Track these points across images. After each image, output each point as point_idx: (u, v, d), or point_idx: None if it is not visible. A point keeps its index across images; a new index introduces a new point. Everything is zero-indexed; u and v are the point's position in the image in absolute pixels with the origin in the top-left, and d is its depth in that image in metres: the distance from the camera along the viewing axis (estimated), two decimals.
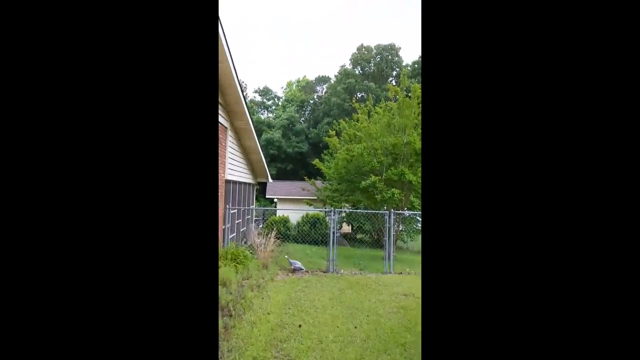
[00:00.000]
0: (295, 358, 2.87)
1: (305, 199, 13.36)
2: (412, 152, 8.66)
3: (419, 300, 4.76)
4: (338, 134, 11.73)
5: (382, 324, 3.81)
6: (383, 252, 8.96)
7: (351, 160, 9.23)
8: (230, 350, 2.91)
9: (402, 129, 9.00)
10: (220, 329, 3.19)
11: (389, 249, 7.01)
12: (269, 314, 3.94)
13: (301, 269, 6.48)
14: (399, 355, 3.01)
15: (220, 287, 4.24)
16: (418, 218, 10.38)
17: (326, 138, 12.01)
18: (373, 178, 8.38)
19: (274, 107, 33.81)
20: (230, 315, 3.62)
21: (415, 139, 8.57)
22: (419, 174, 8.43)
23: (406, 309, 4.37)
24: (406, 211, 9.14)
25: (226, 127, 6.53)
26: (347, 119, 11.89)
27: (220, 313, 3.60)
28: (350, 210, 9.58)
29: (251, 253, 6.36)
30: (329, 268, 6.75)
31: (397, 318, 4.02)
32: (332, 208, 7.38)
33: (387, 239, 7.06)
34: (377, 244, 10.48)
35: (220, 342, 3.03)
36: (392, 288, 5.54)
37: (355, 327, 3.65)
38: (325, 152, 14.07)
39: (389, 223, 6.98)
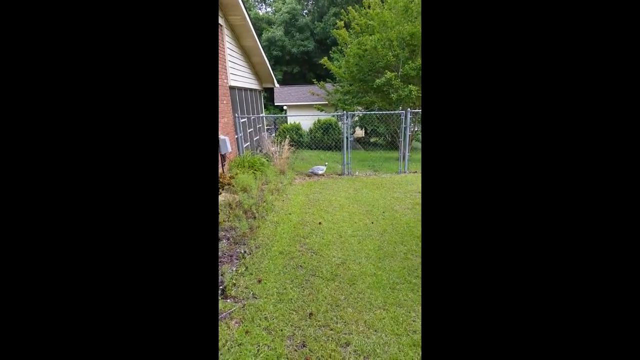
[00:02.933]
0: (317, 250, 3.12)
1: (316, 104, 12.83)
2: None
3: None
4: (347, 26, 10.37)
5: (397, 219, 4.01)
6: (398, 154, 8.97)
7: (364, 56, 8.27)
8: (258, 247, 3.18)
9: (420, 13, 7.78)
10: (246, 230, 3.43)
11: (404, 150, 6.94)
12: (290, 214, 4.18)
13: (322, 174, 6.65)
14: (414, 245, 3.23)
15: (241, 192, 4.43)
16: None
17: (334, 31, 10.66)
18: (389, 74, 7.65)
19: (272, 0, 29.63)
20: (254, 217, 3.86)
21: None
22: None
23: (420, 205, 4.54)
24: (417, 110, 8.69)
25: (221, 25, 5.79)
26: (356, 6, 10.28)
27: (244, 216, 3.83)
28: (364, 112, 9.10)
29: (267, 160, 6.46)
30: (344, 171, 6.88)
31: (412, 214, 4.21)
32: (345, 112, 7.06)
33: (402, 139, 6.92)
34: (392, 146, 10.42)
35: (247, 241, 3.30)
36: (406, 186, 5.68)
37: (372, 223, 3.87)
38: (333, 49, 12.73)
39: (405, 123, 6.72)
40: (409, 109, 6.68)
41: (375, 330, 2.02)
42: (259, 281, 2.57)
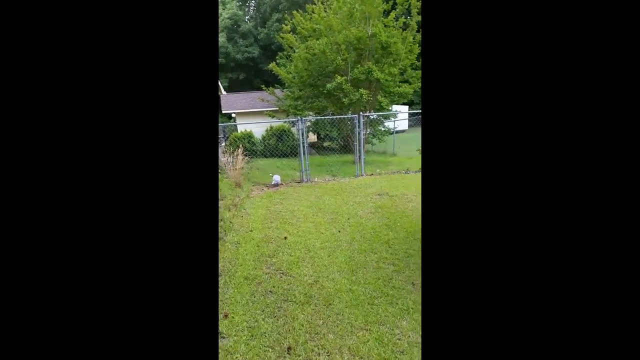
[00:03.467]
0: (287, 270, 2.89)
1: (266, 110, 12.49)
2: (378, 46, 7.86)
3: (394, 199, 4.96)
4: (293, 30, 10.25)
5: (363, 224, 3.94)
6: (353, 157, 9.06)
7: (313, 60, 8.21)
8: (220, 275, 2.85)
9: (366, 19, 7.95)
10: None
11: (359, 153, 6.99)
12: (251, 230, 3.88)
13: (279, 183, 6.39)
14: (385, 252, 3.16)
15: None
16: (382, 119, 10.28)
17: (281, 35, 10.45)
18: (339, 79, 7.66)
19: None
20: None
21: (380, 30, 7.68)
22: (387, 71, 7.87)
23: (383, 208, 4.53)
24: (372, 113, 8.88)
25: None
26: (300, 11, 10.22)
27: None
28: (317, 117, 9.02)
29: (220, 173, 6.03)
30: (302, 178, 6.71)
31: (376, 218, 4.17)
32: (299, 117, 6.91)
33: (357, 143, 6.97)
34: (345, 149, 10.51)
35: None
36: (366, 189, 5.69)
37: (339, 231, 3.74)
38: (280, 54, 12.52)
39: (359, 127, 6.78)
40: (361, 113, 6.75)
41: (361, 358, 1.86)
42: (226, 316, 2.27)
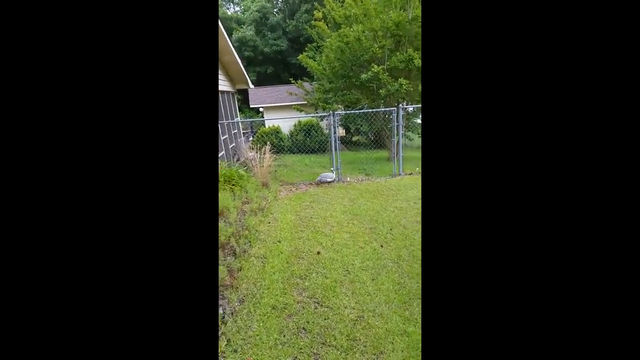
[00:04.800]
0: (322, 298, 2.37)
1: (295, 104, 12.01)
2: (419, 31, 7.06)
3: None
4: (324, 19, 9.61)
5: (409, 237, 3.33)
6: (388, 153, 8.36)
7: (346, 49, 7.55)
8: (243, 301, 2.38)
9: (406, 1, 7.15)
10: (224, 276, 2.62)
11: (397, 149, 6.31)
12: (279, 241, 3.40)
13: (332, 180, 5.94)
14: None
15: None
16: (418, 112, 9.43)
17: (312, 23, 9.87)
18: (376, 68, 6.93)
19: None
20: (235, 254, 3.04)
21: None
22: None
23: None
24: (409, 106, 8.08)
25: None
26: (330, 0, 9.55)
27: (221, 253, 3.01)
28: (351, 112, 8.36)
29: (246, 171, 5.62)
30: (334, 177, 6.16)
31: None
32: (331, 111, 6.34)
33: (394, 138, 6.29)
34: (377, 144, 9.81)
35: (227, 293, 2.48)
36: (407, 192, 5.05)
37: (382, 246, 3.17)
38: (309, 46, 11.92)
39: (397, 120, 6.09)
40: (400, 105, 6.05)
41: None
42: None
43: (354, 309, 2.24)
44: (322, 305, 2.30)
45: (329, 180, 5.93)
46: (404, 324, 2.06)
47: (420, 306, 2.20)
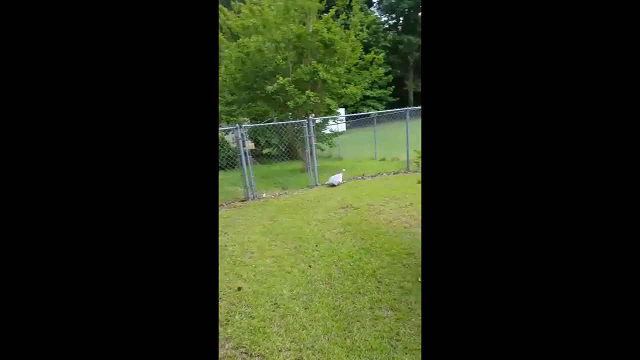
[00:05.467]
0: (251, 346, 1.97)
1: None
2: (320, 44, 7.25)
3: (361, 211, 4.33)
4: (220, 29, 9.08)
5: (336, 251, 3.19)
6: (302, 164, 8.30)
7: (247, 60, 7.22)
8: None
9: (305, 14, 7.28)
10: None
11: (312, 161, 6.26)
12: None
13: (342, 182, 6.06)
14: (375, 291, 2.44)
15: None
16: (331, 122, 9.75)
17: None
18: (282, 80, 6.79)
19: None
20: None
21: (321, 27, 7.07)
22: (332, 71, 7.26)
23: (352, 225, 3.86)
24: (317, 117, 8.21)
25: None
26: (225, 9, 9.10)
27: None
28: (259, 124, 7.98)
29: None
30: (248, 195, 5.72)
31: (349, 239, 3.47)
32: (238, 124, 5.90)
33: (308, 150, 6.23)
34: (290, 156, 9.71)
35: None
36: (326, 203, 4.99)
37: (310, 266, 2.93)
38: None
39: (309, 132, 6.05)
40: (311, 117, 6.04)
41: None
42: None
43: (289, 350, 1.91)
44: (251, 355, 1.90)
45: (338, 182, 6.03)
46: (347, 356, 1.83)
47: (360, 330, 2.02)
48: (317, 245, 3.39)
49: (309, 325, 2.13)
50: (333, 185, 6.09)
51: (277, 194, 5.92)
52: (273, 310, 2.32)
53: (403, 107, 7.40)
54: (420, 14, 32.19)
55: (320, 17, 7.56)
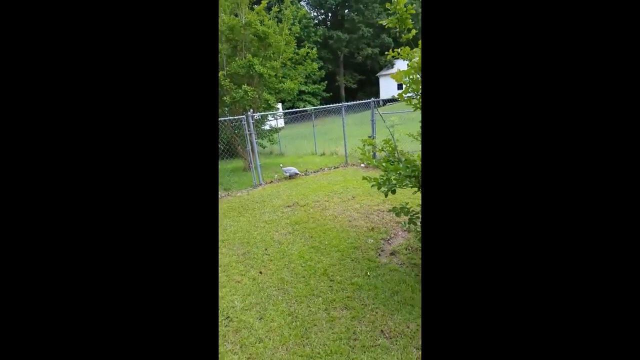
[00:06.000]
0: None
1: None
2: (254, 37, 6.97)
3: (307, 209, 4.34)
4: None
5: (287, 254, 3.15)
6: (244, 163, 7.98)
7: None
8: None
9: (237, 4, 6.89)
10: None
11: (253, 159, 6.05)
12: None
13: (296, 174, 5.94)
14: (328, 291, 2.47)
15: None
16: (270, 117, 9.52)
17: None
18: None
19: None
20: None
21: (254, 19, 6.80)
22: (267, 65, 7.05)
23: (300, 224, 3.85)
24: (256, 113, 7.96)
25: None
26: None
27: None
28: None
29: None
30: None
31: (299, 239, 3.45)
32: None
33: (249, 147, 6.00)
34: (229, 154, 9.27)
35: None
36: (272, 202, 4.88)
37: (261, 273, 2.84)
38: None
39: (249, 129, 5.82)
40: (249, 113, 5.80)
41: None
42: None
43: None
44: None
45: (296, 172, 5.89)
46: None
47: (317, 335, 2.02)
48: (266, 249, 3.29)
49: (265, 337, 2.06)
50: (291, 177, 6.03)
51: (220, 196, 5.61)
52: (226, 325, 2.19)
53: (335, 103, 7.55)
54: (347, 10, 33.05)
55: (252, 9, 7.25)
